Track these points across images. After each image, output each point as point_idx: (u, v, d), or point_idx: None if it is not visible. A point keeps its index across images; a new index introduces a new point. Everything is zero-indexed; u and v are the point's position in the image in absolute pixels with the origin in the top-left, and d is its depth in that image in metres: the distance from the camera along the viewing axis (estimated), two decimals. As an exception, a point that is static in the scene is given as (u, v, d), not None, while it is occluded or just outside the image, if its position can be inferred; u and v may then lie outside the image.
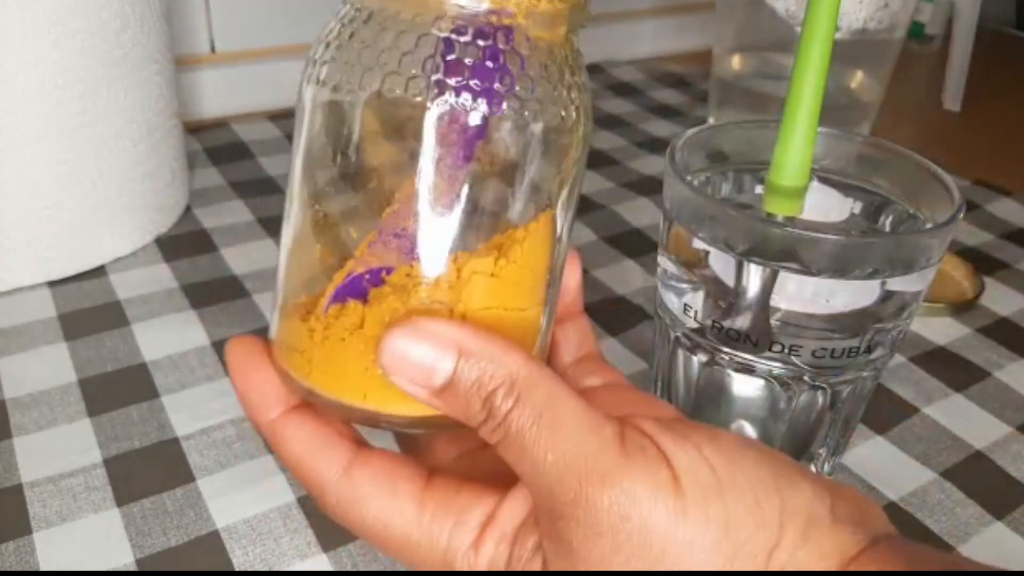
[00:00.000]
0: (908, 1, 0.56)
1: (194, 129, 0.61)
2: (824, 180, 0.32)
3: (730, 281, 0.28)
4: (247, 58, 0.65)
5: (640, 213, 0.55)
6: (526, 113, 0.21)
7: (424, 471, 0.23)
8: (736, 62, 0.62)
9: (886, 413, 0.39)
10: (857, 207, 0.31)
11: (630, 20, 0.82)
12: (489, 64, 0.20)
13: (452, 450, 0.26)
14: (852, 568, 0.19)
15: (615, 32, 0.81)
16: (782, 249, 0.27)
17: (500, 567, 0.21)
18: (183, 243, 0.49)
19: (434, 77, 0.20)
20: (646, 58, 0.83)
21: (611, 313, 0.45)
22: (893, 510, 0.34)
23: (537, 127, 0.21)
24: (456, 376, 0.20)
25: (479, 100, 0.20)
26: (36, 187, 0.42)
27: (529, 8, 0.20)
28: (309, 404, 0.23)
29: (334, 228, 0.23)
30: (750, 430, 0.32)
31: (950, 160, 0.59)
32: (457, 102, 0.20)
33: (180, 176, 0.50)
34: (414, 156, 0.21)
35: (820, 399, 0.30)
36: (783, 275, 0.27)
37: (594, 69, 0.79)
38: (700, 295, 0.29)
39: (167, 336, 0.41)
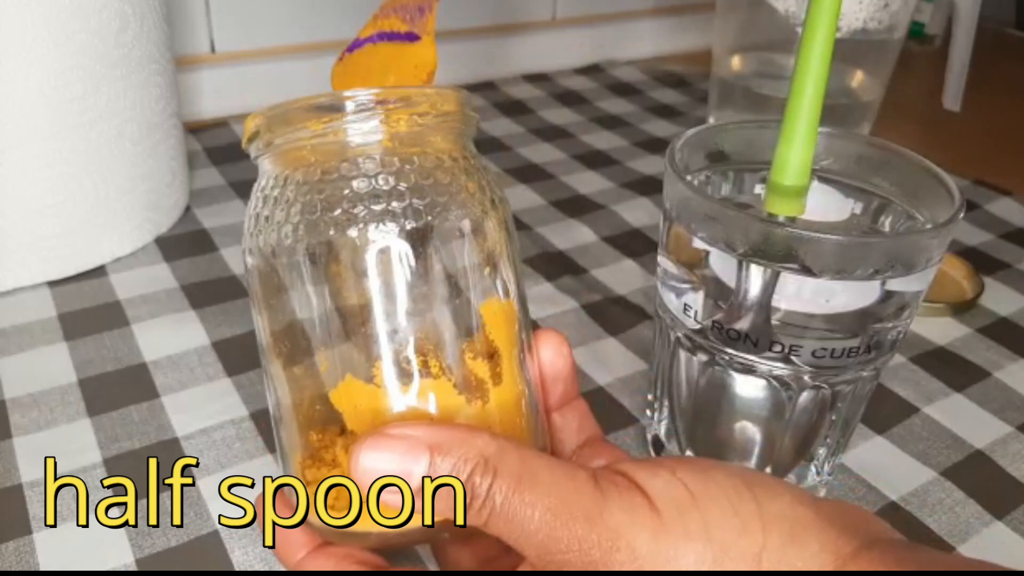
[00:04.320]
0: (908, 1, 0.56)
1: (194, 129, 0.61)
2: (824, 180, 0.32)
3: (730, 281, 0.28)
4: (247, 58, 0.65)
5: (640, 213, 0.55)
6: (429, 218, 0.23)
7: None
8: (736, 62, 0.62)
9: (886, 413, 0.39)
10: (857, 207, 0.31)
11: (630, 20, 0.82)
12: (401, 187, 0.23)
13: (473, 561, 0.27)
14: (849, 567, 0.19)
15: (615, 32, 0.81)
16: (783, 249, 0.27)
17: None
18: (183, 243, 0.49)
19: (355, 210, 0.22)
20: (646, 58, 0.83)
21: (611, 313, 0.45)
22: (893, 510, 0.34)
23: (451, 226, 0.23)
24: (432, 471, 0.20)
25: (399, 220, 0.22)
26: (36, 187, 0.42)
27: (390, 131, 0.23)
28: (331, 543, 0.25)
29: (309, 373, 0.24)
30: (751, 430, 0.32)
31: (950, 160, 0.59)
32: (381, 228, 0.22)
33: (180, 176, 0.50)
34: (367, 279, 0.22)
35: (820, 399, 0.30)
36: (783, 275, 0.27)
37: (594, 69, 0.79)
38: (700, 295, 0.29)
39: (167, 336, 0.41)
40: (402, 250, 0.22)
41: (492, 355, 0.24)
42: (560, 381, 0.26)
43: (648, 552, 0.20)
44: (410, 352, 0.22)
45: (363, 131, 0.23)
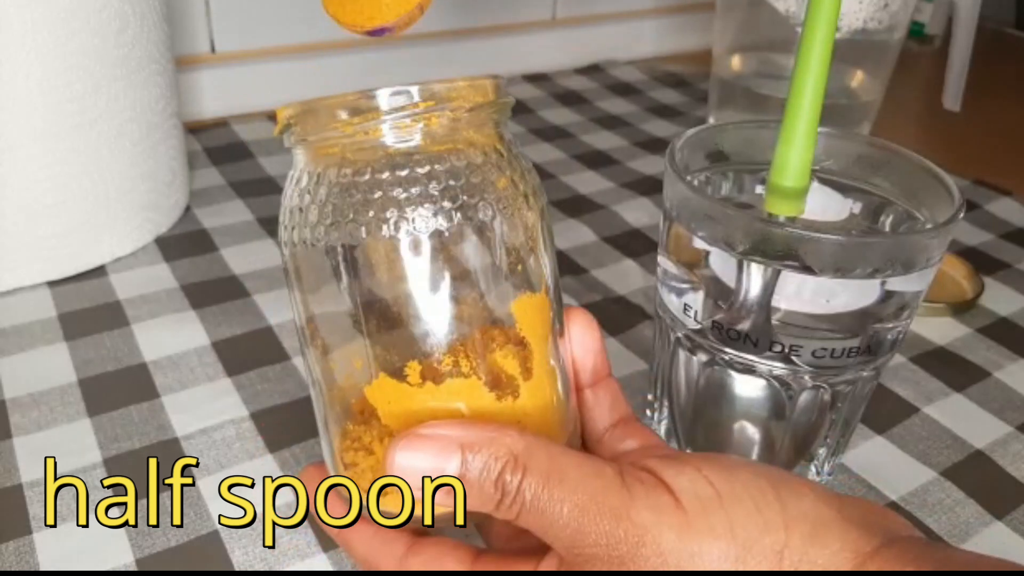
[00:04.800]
0: (908, 1, 0.56)
1: (194, 129, 0.61)
2: (824, 180, 0.32)
3: (730, 281, 0.28)
4: (247, 58, 0.65)
5: (640, 213, 0.55)
6: (457, 217, 0.23)
7: (473, 552, 0.24)
8: (736, 62, 0.62)
9: (886, 413, 0.39)
10: (857, 207, 0.31)
11: (630, 20, 0.82)
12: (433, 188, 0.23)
13: (506, 531, 0.27)
14: (868, 566, 0.20)
15: (615, 32, 0.81)
16: (783, 249, 0.27)
17: None
18: (183, 243, 0.49)
19: (387, 213, 0.22)
20: (646, 58, 0.83)
21: (611, 313, 0.45)
22: (893, 510, 0.34)
23: (482, 225, 0.23)
24: (464, 469, 0.21)
25: (436, 218, 0.22)
26: (36, 187, 0.42)
27: (425, 130, 0.23)
28: None
29: (343, 367, 0.25)
30: (751, 430, 0.32)
31: (950, 160, 0.59)
32: (417, 227, 0.22)
33: (180, 176, 0.50)
34: (400, 281, 0.23)
35: (820, 399, 0.30)
36: (783, 275, 0.27)
37: (594, 69, 0.79)
38: (700, 295, 0.29)
39: (167, 336, 0.41)
40: (433, 252, 0.23)
41: (523, 351, 0.24)
42: (590, 355, 0.27)
43: (673, 549, 0.20)
44: (441, 352, 0.23)
45: (395, 132, 0.23)
